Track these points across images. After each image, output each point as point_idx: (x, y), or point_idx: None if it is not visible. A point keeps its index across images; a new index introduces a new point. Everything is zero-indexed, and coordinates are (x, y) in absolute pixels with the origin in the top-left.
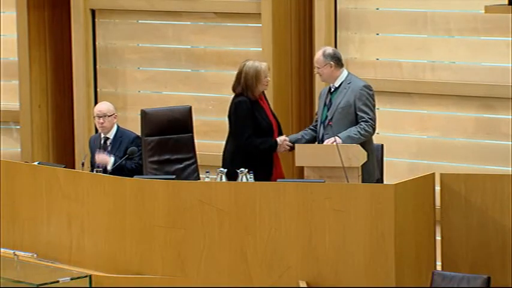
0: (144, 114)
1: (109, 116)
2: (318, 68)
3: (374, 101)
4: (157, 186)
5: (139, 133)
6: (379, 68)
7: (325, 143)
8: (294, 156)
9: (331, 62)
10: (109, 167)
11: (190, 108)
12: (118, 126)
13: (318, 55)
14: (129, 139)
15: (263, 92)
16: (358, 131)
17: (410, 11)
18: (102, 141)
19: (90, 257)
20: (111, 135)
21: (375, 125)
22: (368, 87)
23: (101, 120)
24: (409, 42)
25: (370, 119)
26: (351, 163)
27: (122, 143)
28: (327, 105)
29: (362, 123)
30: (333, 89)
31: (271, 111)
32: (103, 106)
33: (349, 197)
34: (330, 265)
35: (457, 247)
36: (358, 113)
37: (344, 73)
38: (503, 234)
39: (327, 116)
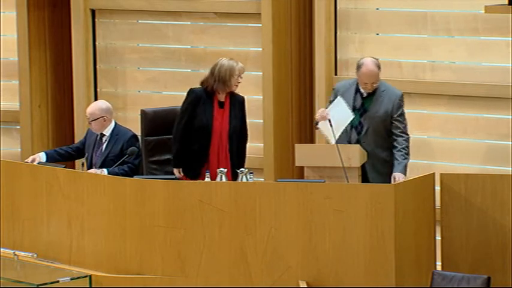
0: (144, 114)
1: (93, 120)
2: (374, 82)
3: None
4: (157, 186)
5: (139, 133)
6: None
7: (393, 181)
8: (294, 156)
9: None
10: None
11: None
12: (116, 124)
13: (375, 70)
14: (126, 137)
15: (239, 99)
16: (404, 153)
17: (410, 11)
18: (99, 137)
19: (90, 257)
20: (107, 132)
21: (408, 135)
22: (403, 96)
23: (88, 121)
24: (409, 42)
25: (405, 128)
26: (350, 163)
27: (117, 140)
28: (359, 111)
29: (399, 139)
30: (365, 95)
31: (233, 117)
32: (89, 109)
33: (349, 197)
34: (330, 265)
35: (457, 247)
36: (394, 122)
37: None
38: (503, 234)
39: (360, 122)
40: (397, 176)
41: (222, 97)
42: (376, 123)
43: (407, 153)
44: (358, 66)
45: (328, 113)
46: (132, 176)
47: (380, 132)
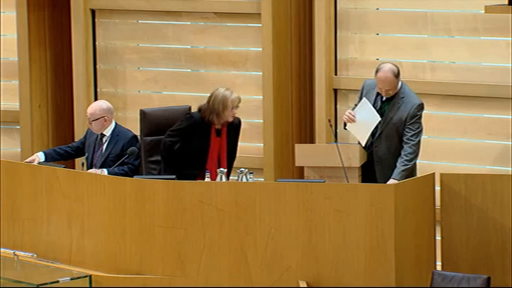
0: (143, 114)
1: (94, 120)
2: (389, 89)
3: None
4: (157, 186)
5: (138, 133)
6: None
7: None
8: (294, 156)
9: (398, 79)
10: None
11: (189, 108)
12: (116, 124)
13: (389, 77)
14: (126, 138)
15: (236, 123)
16: (405, 160)
17: (410, 11)
18: (99, 137)
19: (90, 257)
20: (107, 132)
21: (418, 147)
22: (421, 106)
23: (88, 121)
24: (409, 42)
25: (413, 136)
26: (350, 163)
27: (118, 141)
28: (378, 113)
29: (405, 146)
30: (384, 99)
31: (229, 143)
32: (89, 109)
33: (349, 197)
34: (330, 265)
35: (457, 247)
36: (405, 128)
37: (399, 84)
38: (503, 234)
39: (377, 127)
40: (391, 182)
41: (218, 125)
42: (389, 128)
43: (409, 160)
44: (376, 71)
45: (355, 114)
46: (132, 177)
47: (393, 138)
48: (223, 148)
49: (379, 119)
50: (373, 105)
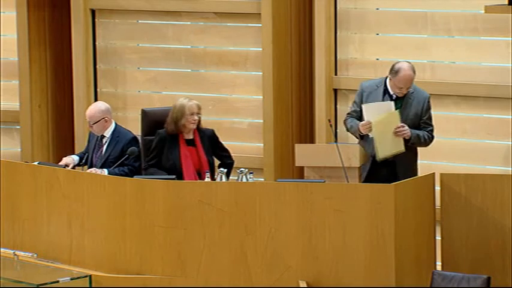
0: (144, 114)
1: (94, 123)
2: (409, 88)
3: None
4: (157, 186)
5: (138, 133)
6: (379, 68)
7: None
8: (294, 156)
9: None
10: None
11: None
12: (116, 125)
13: (412, 75)
14: (126, 139)
15: (207, 133)
16: (428, 136)
17: (410, 11)
18: (99, 138)
19: (90, 257)
20: (107, 133)
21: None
22: (430, 98)
23: (89, 125)
24: (409, 42)
25: (431, 131)
26: (350, 163)
27: (118, 142)
28: None
29: (427, 132)
30: (395, 97)
31: (207, 152)
32: (88, 113)
33: (349, 197)
34: (330, 265)
35: (457, 247)
36: (422, 124)
37: None
38: (503, 234)
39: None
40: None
41: (188, 135)
42: (408, 124)
43: (426, 139)
44: (396, 72)
45: (371, 121)
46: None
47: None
48: (201, 157)
49: (392, 102)
50: None
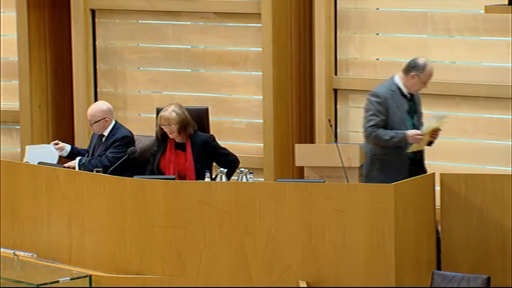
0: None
1: (95, 122)
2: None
3: None
4: (157, 186)
5: (143, 132)
6: (379, 68)
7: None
8: (294, 156)
9: None
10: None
11: (207, 110)
12: (115, 123)
13: (432, 70)
14: (118, 136)
15: (202, 139)
16: None
17: (410, 11)
18: (99, 137)
19: (90, 257)
20: (106, 132)
21: None
22: None
23: (89, 123)
24: (409, 42)
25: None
26: (350, 163)
27: (111, 138)
28: (410, 113)
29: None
30: (409, 96)
31: (196, 159)
32: (90, 112)
33: (349, 197)
34: (330, 265)
35: (457, 247)
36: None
37: None
38: (503, 234)
39: (414, 124)
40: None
41: (178, 139)
42: (420, 124)
43: None
44: (423, 67)
45: (422, 133)
46: (108, 168)
47: None
48: (188, 162)
49: (446, 114)
50: (407, 109)
